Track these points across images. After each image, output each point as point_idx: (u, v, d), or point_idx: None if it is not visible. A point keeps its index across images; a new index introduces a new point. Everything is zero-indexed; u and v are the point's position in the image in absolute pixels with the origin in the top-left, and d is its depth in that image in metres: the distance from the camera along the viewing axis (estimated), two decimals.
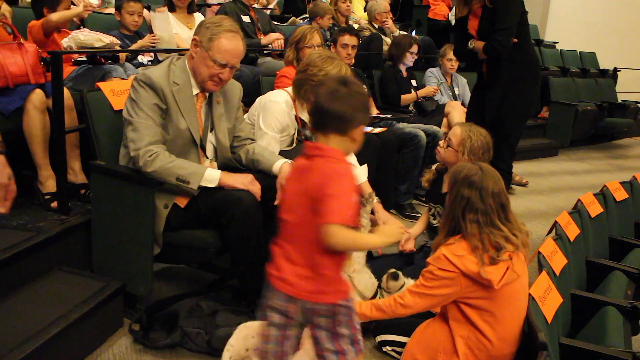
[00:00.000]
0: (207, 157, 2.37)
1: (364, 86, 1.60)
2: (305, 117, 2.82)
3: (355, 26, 5.37)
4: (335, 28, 4.73)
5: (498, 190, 1.77)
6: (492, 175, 1.79)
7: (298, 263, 1.43)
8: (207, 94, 2.34)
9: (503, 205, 1.77)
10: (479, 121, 3.84)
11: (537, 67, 3.76)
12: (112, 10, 3.85)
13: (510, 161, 3.42)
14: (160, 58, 3.44)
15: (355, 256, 2.31)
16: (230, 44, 2.19)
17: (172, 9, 3.85)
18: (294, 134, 2.83)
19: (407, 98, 4.43)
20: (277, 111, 2.73)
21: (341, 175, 1.40)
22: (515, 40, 3.42)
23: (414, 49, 4.43)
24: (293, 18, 5.56)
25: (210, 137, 2.37)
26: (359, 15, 6.10)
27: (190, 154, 2.28)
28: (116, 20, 3.62)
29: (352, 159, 2.58)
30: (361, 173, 2.79)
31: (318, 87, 1.50)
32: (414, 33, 5.48)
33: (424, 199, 3.59)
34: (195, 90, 2.29)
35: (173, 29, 3.76)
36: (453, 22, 5.08)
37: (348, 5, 5.24)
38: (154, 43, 3.45)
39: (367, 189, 2.82)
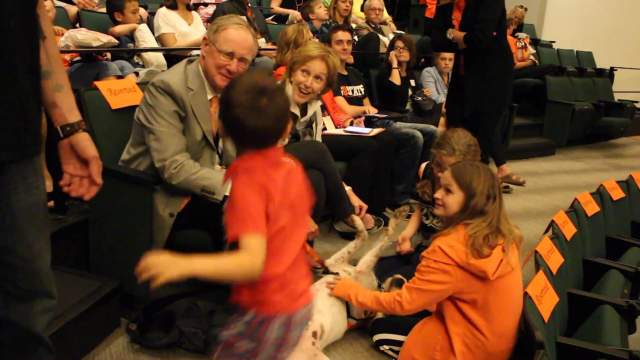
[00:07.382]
0: (220, 164, 2.32)
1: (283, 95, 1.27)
2: (296, 111, 2.84)
3: (353, 25, 5.36)
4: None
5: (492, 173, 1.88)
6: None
7: None
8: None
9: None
10: (457, 113, 3.93)
11: (512, 59, 3.95)
12: None
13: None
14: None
15: (363, 261, 2.37)
16: (237, 34, 2.14)
17: (174, 7, 3.95)
18: None
19: (395, 75, 4.41)
20: None
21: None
22: (495, 33, 3.56)
23: (399, 44, 4.42)
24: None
25: (220, 143, 2.33)
26: (356, 15, 6.09)
27: (203, 159, 2.23)
28: (115, 20, 3.60)
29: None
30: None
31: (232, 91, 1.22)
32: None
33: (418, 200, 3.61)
34: (210, 95, 2.24)
35: (176, 24, 3.88)
36: None
37: (347, 6, 5.23)
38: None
39: (356, 200, 2.86)
